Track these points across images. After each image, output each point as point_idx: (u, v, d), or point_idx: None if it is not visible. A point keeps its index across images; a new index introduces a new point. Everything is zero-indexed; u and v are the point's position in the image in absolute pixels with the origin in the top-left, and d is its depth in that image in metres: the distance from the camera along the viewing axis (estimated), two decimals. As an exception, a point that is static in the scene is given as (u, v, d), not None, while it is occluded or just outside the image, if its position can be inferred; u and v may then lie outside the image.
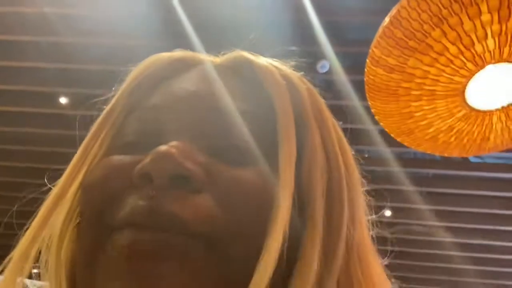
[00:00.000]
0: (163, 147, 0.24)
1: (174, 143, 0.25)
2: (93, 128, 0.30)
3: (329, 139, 0.30)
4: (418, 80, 1.46)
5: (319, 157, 0.28)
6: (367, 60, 1.56)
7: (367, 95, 1.72)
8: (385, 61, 1.42)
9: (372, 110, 1.78)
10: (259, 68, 0.31)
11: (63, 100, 4.35)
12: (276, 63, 0.32)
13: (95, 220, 0.26)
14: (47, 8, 2.82)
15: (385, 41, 1.37)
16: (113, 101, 0.31)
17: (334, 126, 0.32)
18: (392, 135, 1.86)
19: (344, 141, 0.32)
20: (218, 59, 0.34)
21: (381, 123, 1.83)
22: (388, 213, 3.88)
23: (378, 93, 1.61)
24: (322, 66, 3.43)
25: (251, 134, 0.27)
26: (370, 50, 1.50)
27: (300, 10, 2.62)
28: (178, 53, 0.33)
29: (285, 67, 0.33)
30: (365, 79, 1.65)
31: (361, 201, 0.31)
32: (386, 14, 1.38)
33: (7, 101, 3.90)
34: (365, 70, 1.61)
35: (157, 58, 0.33)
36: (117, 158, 0.27)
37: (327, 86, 3.19)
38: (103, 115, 0.31)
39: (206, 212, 0.24)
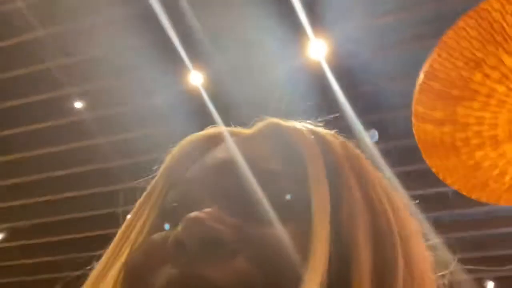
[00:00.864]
0: (192, 213, 0.25)
1: (205, 209, 0.26)
2: (135, 208, 0.32)
3: (371, 189, 0.29)
4: (475, 128, 1.35)
5: (359, 207, 0.27)
6: (413, 120, 1.50)
7: (423, 155, 1.62)
8: (431, 115, 1.36)
9: (433, 170, 1.65)
10: (287, 129, 0.32)
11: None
12: (307, 124, 0.33)
13: None
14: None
15: (425, 96, 1.32)
16: (153, 181, 0.33)
17: (379, 178, 0.31)
18: (463, 193, 1.69)
19: (393, 193, 0.31)
20: (249, 130, 0.35)
21: (447, 182, 1.68)
22: (490, 285, 3.36)
23: (434, 150, 1.51)
24: (372, 136, 3.37)
25: (282, 193, 0.27)
26: (413, 109, 1.45)
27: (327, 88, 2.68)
28: (211, 130, 0.36)
29: (315, 127, 0.33)
30: (416, 138, 1.57)
31: (422, 252, 0.29)
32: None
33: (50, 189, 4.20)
34: (413, 130, 1.54)
35: (192, 137, 0.35)
36: (158, 235, 0.28)
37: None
38: (144, 195, 0.33)
39: (238, 274, 0.24)
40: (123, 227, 0.31)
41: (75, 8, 3.25)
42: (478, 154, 1.40)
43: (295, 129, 0.31)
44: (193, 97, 3.04)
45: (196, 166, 0.32)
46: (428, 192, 3.55)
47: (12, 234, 5.28)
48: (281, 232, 0.25)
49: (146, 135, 3.63)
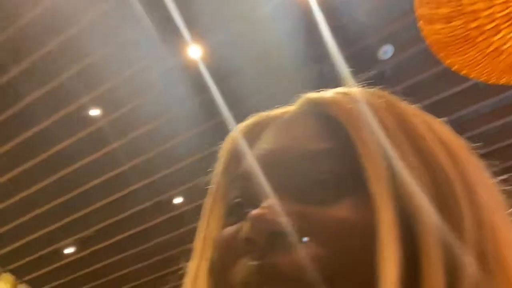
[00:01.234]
0: (254, 211, 0.26)
1: (264, 204, 0.27)
2: (206, 205, 0.35)
3: (424, 144, 0.29)
4: (485, 13, 1.28)
5: (413, 166, 0.27)
6: (419, 25, 1.43)
7: (439, 56, 1.56)
8: (437, 14, 1.29)
9: (454, 68, 1.59)
10: (325, 103, 0.32)
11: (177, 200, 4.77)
12: (343, 90, 0.33)
13: (221, 286, 0.29)
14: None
15: (425, -4, 1.25)
16: (213, 180, 0.36)
17: (430, 127, 0.30)
18: (492, 82, 1.62)
19: (449, 138, 0.30)
20: (288, 109, 0.35)
21: (472, 76, 1.62)
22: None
23: (449, 47, 1.45)
24: (385, 52, 3.25)
25: (333, 169, 0.28)
26: (416, 14, 1.38)
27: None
28: (251, 120, 0.37)
29: (354, 90, 0.33)
30: (427, 42, 1.50)
31: (491, 198, 0.28)
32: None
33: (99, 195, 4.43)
34: (423, 34, 1.48)
35: (238, 130, 0.37)
36: (226, 231, 0.30)
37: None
38: (209, 194, 0.35)
39: (309, 258, 0.25)
40: (201, 223, 0.34)
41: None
42: (496, 38, 1.33)
43: (333, 101, 0.31)
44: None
45: (248, 159, 0.32)
46: (456, 89, 3.44)
47: (81, 244, 5.66)
48: (343, 211, 0.26)
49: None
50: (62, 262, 5.78)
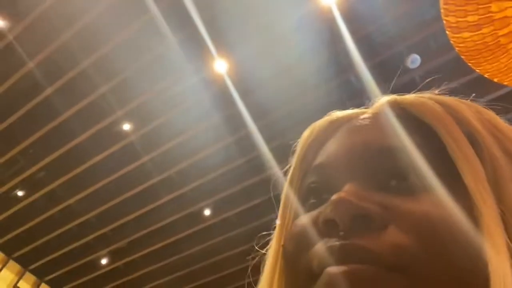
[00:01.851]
0: (338, 194, 0.26)
1: (346, 188, 0.27)
2: (283, 197, 0.35)
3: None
4: (516, 18, 1.24)
5: (505, 167, 0.27)
6: (447, 32, 1.41)
7: (470, 64, 1.53)
8: (465, 22, 1.27)
9: (486, 75, 1.55)
10: (409, 103, 0.32)
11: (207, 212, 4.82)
12: (423, 94, 0.33)
13: (296, 275, 0.28)
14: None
15: (452, 4, 1.24)
16: (290, 171, 0.36)
17: None
18: (526, 87, 1.57)
19: None
20: (364, 111, 0.36)
21: (505, 83, 1.57)
22: None
23: (480, 56, 1.42)
24: (413, 61, 3.19)
25: (414, 164, 0.28)
26: (444, 21, 1.36)
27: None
28: (330, 116, 0.36)
29: (436, 95, 0.33)
30: (457, 50, 1.47)
31: None
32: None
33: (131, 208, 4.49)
34: (451, 43, 1.45)
35: (315, 126, 0.37)
36: (303, 217, 0.30)
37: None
38: (287, 184, 0.35)
39: (397, 245, 0.25)
40: (279, 217, 0.34)
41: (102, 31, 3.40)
42: (528, 43, 1.29)
43: (418, 102, 0.31)
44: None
45: (324, 152, 0.33)
46: (490, 97, 3.32)
47: (114, 256, 5.79)
48: (425, 203, 0.26)
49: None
50: (97, 273, 5.93)
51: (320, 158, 0.32)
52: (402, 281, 0.24)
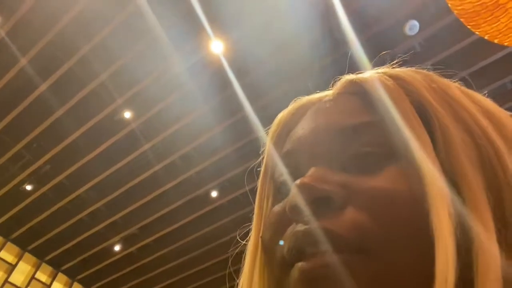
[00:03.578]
0: (300, 180, 0.27)
1: (309, 172, 0.28)
2: (259, 186, 0.36)
3: (467, 115, 0.28)
4: (515, -24, 1.22)
5: (455, 136, 0.27)
6: (445, -3, 1.38)
7: (469, 26, 1.51)
8: (462, -16, 1.24)
9: (486, 37, 1.53)
10: (364, 81, 0.32)
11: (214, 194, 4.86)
12: (381, 69, 0.33)
13: (272, 264, 0.30)
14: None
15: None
16: (263, 162, 0.37)
17: (475, 101, 0.30)
18: (527, 47, 1.55)
19: (497, 110, 0.30)
20: (328, 92, 0.36)
21: (506, 43, 1.55)
22: None
23: (479, 17, 1.39)
24: (411, 28, 3.14)
25: (374, 141, 0.28)
26: (441, -15, 1.34)
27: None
28: (296, 103, 0.37)
29: (391, 69, 0.33)
30: (455, 14, 1.45)
31: None
32: None
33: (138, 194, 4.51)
34: (449, 6, 1.43)
35: (280, 116, 0.37)
36: (277, 206, 0.31)
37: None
38: (260, 176, 0.37)
39: (355, 223, 0.25)
40: (256, 208, 0.35)
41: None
42: (528, 2, 1.27)
43: (372, 79, 0.32)
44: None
45: (290, 139, 0.33)
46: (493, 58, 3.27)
47: (126, 242, 5.90)
48: (384, 179, 0.26)
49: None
50: (111, 260, 6.05)
51: (287, 145, 0.33)
52: (368, 264, 0.24)
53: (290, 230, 0.27)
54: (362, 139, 0.28)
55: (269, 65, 3.48)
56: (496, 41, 1.56)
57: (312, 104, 0.35)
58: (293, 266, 0.26)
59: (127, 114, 4.41)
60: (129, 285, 6.44)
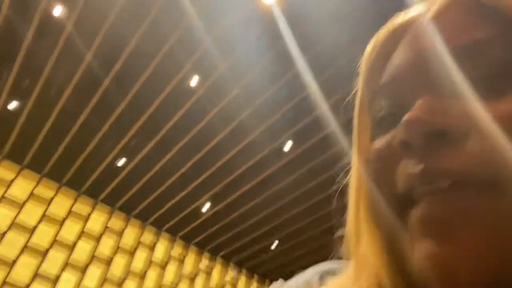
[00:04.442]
0: (408, 114, 0.24)
1: (416, 105, 0.25)
2: (355, 123, 0.33)
3: None
4: None
5: None
6: None
7: None
8: None
9: None
10: None
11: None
12: None
13: (381, 200, 0.27)
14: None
15: None
16: (358, 95, 0.33)
17: None
18: None
19: None
20: (429, 8, 0.30)
21: None
22: None
23: None
24: None
25: (494, 61, 0.24)
26: None
27: None
28: (391, 24, 0.32)
29: None
30: None
31: None
32: None
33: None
34: None
35: (377, 39, 0.33)
36: (377, 143, 0.29)
37: None
38: (356, 109, 0.33)
39: (475, 158, 0.22)
40: (354, 144, 0.32)
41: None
42: None
43: None
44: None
45: (389, 68, 0.30)
46: None
47: (213, 201, 6.32)
48: (510, 103, 0.23)
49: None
50: (202, 218, 6.57)
51: (386, 75, 0.29)
52: (499, 203, 0.22)
53: (402, 168, 0.25)
54: (479, 60, 0.24)
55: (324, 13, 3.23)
56: None
57: (410, 25, 0.30)
58: (411, 207, 0.24)
59: (195, 79, 4.54)
60: (223, 238, 6.99)
